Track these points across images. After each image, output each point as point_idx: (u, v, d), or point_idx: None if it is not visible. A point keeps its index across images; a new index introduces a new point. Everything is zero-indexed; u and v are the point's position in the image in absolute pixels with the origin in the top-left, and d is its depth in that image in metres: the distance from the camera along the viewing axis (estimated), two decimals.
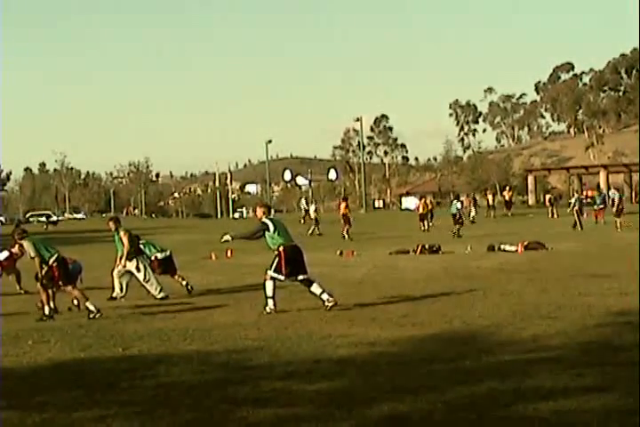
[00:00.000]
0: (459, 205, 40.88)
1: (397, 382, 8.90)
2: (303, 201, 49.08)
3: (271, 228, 15.34)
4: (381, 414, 7.63)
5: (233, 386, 9.00)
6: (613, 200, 46.41)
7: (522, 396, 8.04)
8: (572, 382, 8.50)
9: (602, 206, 45.87)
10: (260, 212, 15.91)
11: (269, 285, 15.14)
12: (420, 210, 46.55)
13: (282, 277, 15.18)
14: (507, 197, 64.82)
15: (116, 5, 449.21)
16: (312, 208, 48.82)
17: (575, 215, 42.36)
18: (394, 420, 7.45)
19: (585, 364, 9.45)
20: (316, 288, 15.29)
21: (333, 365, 10.03)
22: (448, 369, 9.49)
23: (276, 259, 15.22)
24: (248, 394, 8.57)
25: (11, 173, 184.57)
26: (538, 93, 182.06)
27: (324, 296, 15.18)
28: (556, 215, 53.82)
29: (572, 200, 44.63)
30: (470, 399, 8.03)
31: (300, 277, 15.34)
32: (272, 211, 18.13)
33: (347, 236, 39.77)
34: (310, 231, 44.57)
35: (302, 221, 46.04)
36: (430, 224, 47.47)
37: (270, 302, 15.08)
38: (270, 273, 15.17)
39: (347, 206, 42.87)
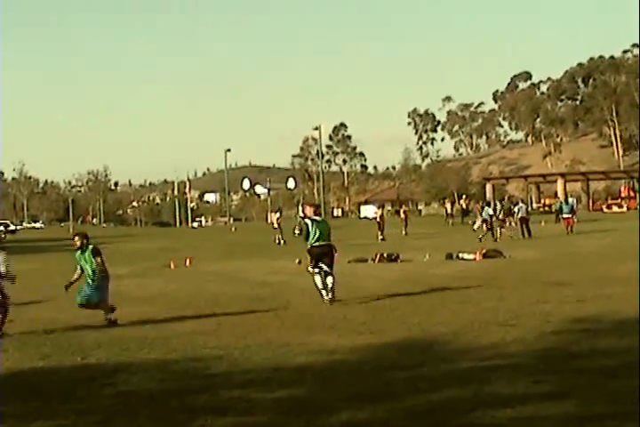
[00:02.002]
0: (490, 211, 40.67)
1: (356, 389, 8.91)
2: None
3: (309, 229, 16.95)
4: (340, 421, 7.63)
5: (192, 395, 8.97)
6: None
7: (480, 403, 8.06)
8: (530, 390, 8.55)
9: (569, 215, 45.55)
10: (309, 210, 17.63)
11: (315, 279, 16.83)
12: (381, 218, 46.42)
13: (312, 270, 16.86)
14: (464, 206, 65.34)
15: (81, 14, 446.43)
16: (275, 216, 48.07)
17: (519, 224, 42.35)
18: None
19: (543, 371, 9.50)
20: (328, 281, 16.69)
21: (292, 373, 10.02)
22: (407, 377, 9.51)
23: (308, 257, 17.15)
24: (207, 403, 8.55)
25: None
26: (496, 102, 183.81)
27: (324, 293, 16.72)
28: (513, 223, 54.02)
29: (516, 209, 43.93)
30: (429, 407, 8.05)
31: (324, 268, 16.77)
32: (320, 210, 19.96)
33: None
34: (276, 240, 44.05)
35: (295, 233, 43.50)
36: (405, 232, 48.79)
37: (323, 292, 16.77)
38: (309, 269, 17.00)
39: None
